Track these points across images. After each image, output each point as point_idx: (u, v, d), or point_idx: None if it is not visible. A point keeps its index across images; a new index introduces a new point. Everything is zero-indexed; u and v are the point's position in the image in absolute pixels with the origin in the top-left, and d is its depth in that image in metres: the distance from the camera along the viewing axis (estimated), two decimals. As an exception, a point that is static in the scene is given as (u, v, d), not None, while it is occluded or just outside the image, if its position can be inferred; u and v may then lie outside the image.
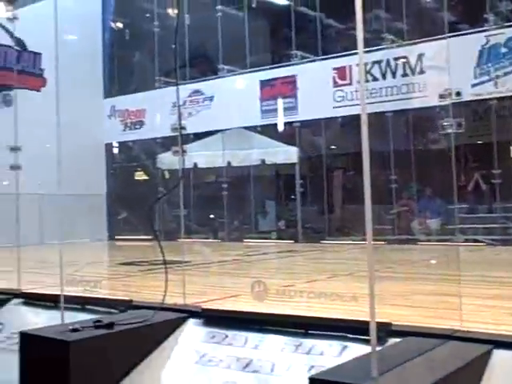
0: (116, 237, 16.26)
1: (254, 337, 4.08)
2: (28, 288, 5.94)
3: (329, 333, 3.83)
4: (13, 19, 9.96)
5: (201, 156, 14.27)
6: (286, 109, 14.30)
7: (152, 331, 4.34)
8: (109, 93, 17.20)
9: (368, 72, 12.87)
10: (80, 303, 5.05)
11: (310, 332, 3.93)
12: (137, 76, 17.15)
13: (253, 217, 16.00)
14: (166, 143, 14.86)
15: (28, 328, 4.26)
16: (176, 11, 11.10)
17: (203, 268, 8.61)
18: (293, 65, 14.52)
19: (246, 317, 4.38)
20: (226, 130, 14.87)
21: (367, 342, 3.03)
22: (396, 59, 13.12)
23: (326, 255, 11.60)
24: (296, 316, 4.24)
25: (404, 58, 13.12)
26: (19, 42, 15.55)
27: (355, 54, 3.17)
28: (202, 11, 15.25)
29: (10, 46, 15.48)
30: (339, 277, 7.32)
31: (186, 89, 14.48)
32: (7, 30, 15.49)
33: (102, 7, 17.11)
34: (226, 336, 4.20)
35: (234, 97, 14.67)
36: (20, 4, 13.06)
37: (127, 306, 4.91)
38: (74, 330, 3.95)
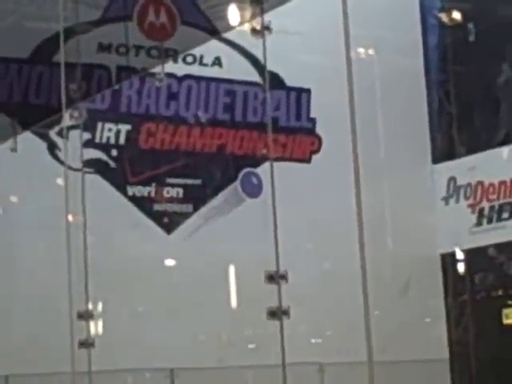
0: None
1: None
2: None
3: None
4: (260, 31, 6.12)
5: None
6: None
7: None
8: (443, 152, 8.80)
9: None
10: None
11: None
12: (503, 110, 8.36)
13: None
14: None
15: None
16: None
17: None
18: None
19: None
20: None
21: None
22: None
23: None
24: None
25: None
26: (273, 76, 8.24)
27: None
28: None
29: (256, 84, 8.39)
30: None
31: None
32: (250, 56, 8.50)
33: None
34: None
35: None
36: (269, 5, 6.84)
37: None
38: None
